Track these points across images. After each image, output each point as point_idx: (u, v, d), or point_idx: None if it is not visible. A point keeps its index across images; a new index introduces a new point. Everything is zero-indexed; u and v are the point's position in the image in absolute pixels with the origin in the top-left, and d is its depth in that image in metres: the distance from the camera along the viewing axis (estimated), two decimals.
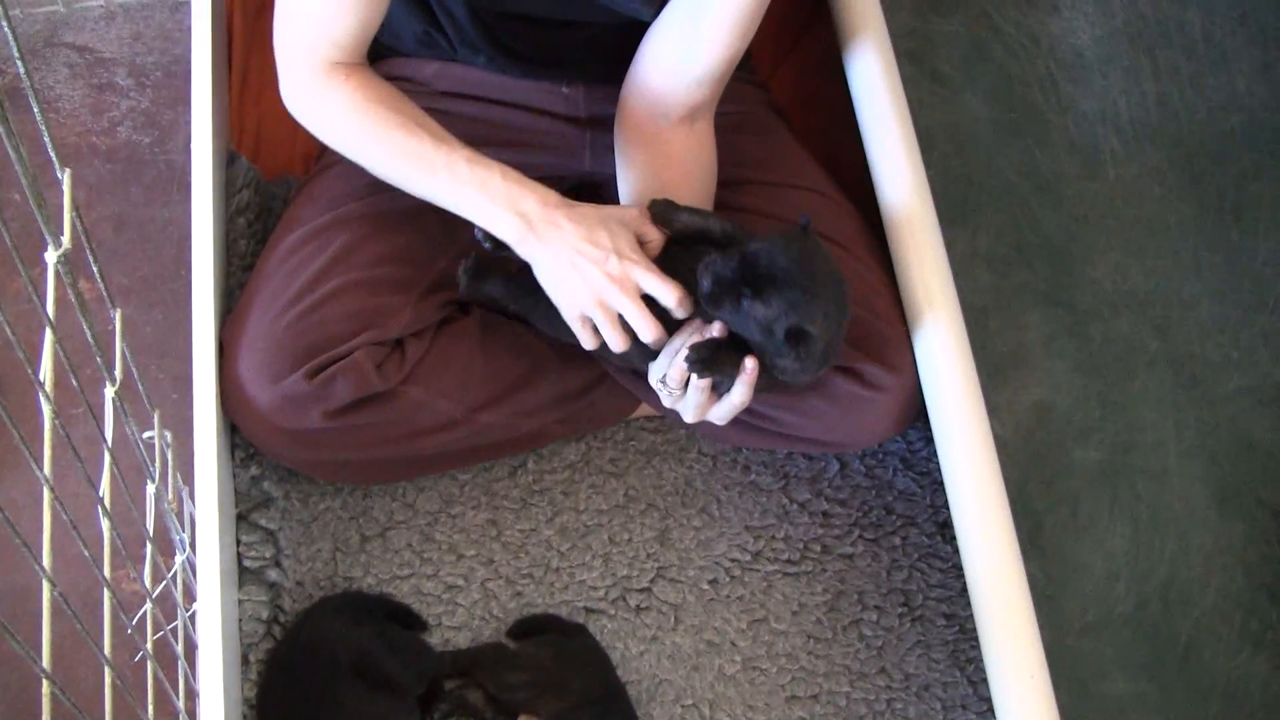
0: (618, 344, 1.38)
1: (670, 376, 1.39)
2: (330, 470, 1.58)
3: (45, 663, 0.83)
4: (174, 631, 1.34)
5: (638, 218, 1.41)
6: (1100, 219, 1.61)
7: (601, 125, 1.60)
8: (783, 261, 1.31)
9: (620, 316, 1.37)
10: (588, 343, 1.41)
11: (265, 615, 1.53)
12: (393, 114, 1.40)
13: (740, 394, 1.38)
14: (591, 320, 1.39)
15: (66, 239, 0.90)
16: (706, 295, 1.32)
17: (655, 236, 1.41)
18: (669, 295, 1.35)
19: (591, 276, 1.36)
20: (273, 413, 1.44)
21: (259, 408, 1.44)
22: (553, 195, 1.40)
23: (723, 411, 1.42)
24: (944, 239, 1.51)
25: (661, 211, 1.42)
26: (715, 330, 1.35)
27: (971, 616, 1.42)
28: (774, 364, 1.36)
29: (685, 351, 1.35)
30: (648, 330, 1.36)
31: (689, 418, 1.43)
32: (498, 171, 1.39)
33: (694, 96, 1.46)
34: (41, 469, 0.86)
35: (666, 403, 1.44)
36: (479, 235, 1.41)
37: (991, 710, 1.41)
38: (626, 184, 1.50)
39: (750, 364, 1.35)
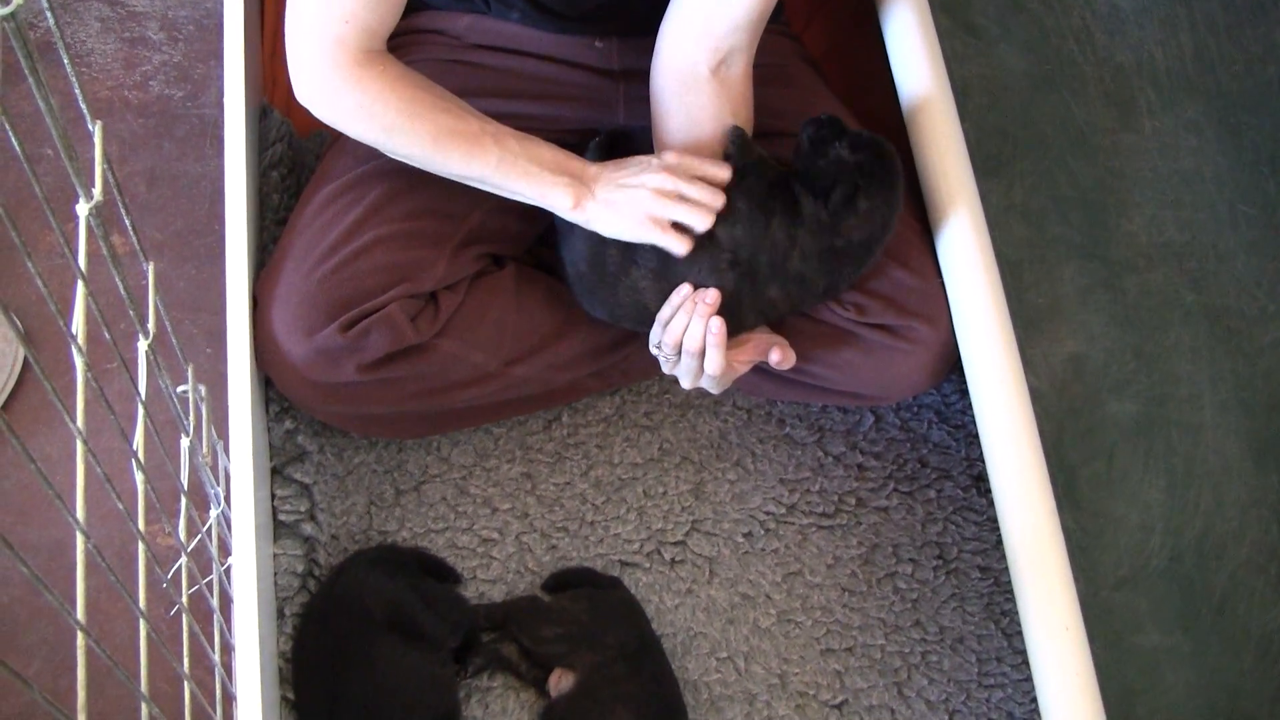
0: (679, 247, 1.40)
1: (665, 343, 1.42)
2: (364, 424, 1.59)
3: (80, 615, 0.84)
4: (209, 585, 1.35)
5: (686, 158, 1.43)
6: (1136, 171, 1.59)
7: (635, 78, 1.59)
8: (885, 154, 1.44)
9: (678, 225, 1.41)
10: (675, 246, 1.42)
11: (300, 569, 1.54)
12: (436, 98, 1.39)
13: (713, 361, 1.42)
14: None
15: (98, 191, 0.90)
16: (811, 123, 1.44)
17: (715, 173, 1.43)
18: (717, 172, 1.41)
19: (644, 181, 1.40)
20: (307, 366, 1.45)
21: (293, 361, 1.45)
22: (593, 165, 1.43)
23: (709, 380, 1.44)
24: (979, 191, 1.50)
25: (737, 139, 1.46)
26: (710, 297, 1.40)
27: (1006, 570, 1.42)
28: (826, 234, 1.43)
29: (678, 318, 1.41)
30: (708, 203, 1.40)
31: (685, 383, 1.47)
32: (541, 143, 1.41)
33: (728, 43, 1.45)
34: (75, 422, 0.86)
35: (665, 369, 1.47)
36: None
37: (1026, 663, 1.41)
38: (663, 134, 1.50)
39: (717, 324, 1.39)
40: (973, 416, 1.47)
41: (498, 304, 1.53)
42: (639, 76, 1.56)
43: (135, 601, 1.01)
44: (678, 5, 1.48)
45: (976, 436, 1.45)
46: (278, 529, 1.56)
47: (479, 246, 1.54)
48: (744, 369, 1.48)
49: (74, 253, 0.87)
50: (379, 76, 1.36)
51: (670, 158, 1.41)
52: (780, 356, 1.46)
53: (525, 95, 1.60)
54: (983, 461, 1.45)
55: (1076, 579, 1.34)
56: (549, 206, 1.41)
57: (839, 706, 1.60)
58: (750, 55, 1.50)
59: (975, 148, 1.53)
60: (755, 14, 1.45)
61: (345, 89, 1.36)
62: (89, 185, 0.89)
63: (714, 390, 1.48)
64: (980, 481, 1.70)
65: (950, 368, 1.56)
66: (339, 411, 1.53)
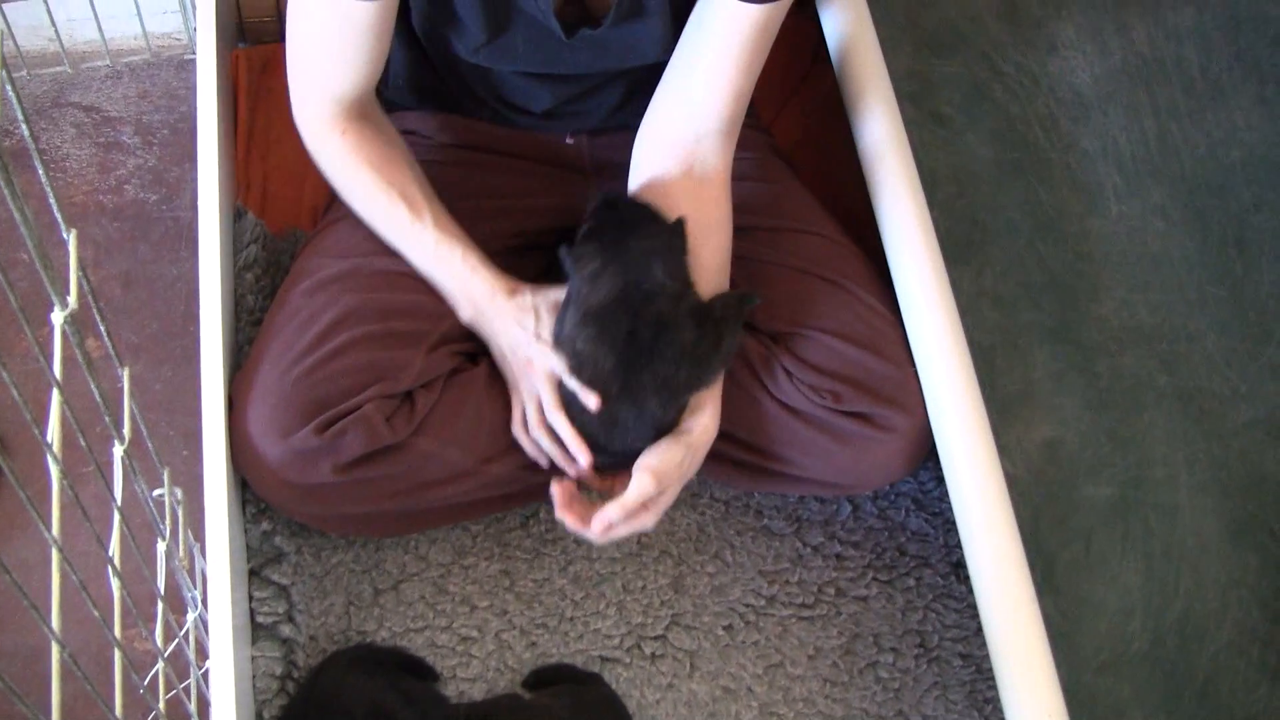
0: (535, 429, 1.47)
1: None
2: (341, 524, 1.58)
3: None
4: (186, 690, 1.34)
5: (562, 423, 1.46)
6: (1104, 255, 1.61)
7: (607, 171, 1.61)
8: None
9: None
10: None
11: (279, 671, 1.53)
12: (378, 178, 1.47)
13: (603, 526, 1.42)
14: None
15: (73, 299, 0.91)
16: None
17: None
18: (582, 394, 1.42)
19: (518, 359, 1.47)
20: (282, 468, 1.44)
21: (269, 463, 1.45)
22: (505, 282, 1.47)
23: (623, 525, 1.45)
24: (950, 279, 1.51)
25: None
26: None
27: (988, 656, 1.41)
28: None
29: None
30: (535, 419, 1.47)
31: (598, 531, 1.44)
32: (460, 252, 1.47)
33: (700, 149, 1.47)
34: (50, 530, 0.86)
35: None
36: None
37: None
38: None
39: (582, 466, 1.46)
40: (950, 503, 1.47)
41: (473, 400, 1.53)
42: (611, 170, 1.57)
43: (112, 709, 1.00)
44: (650, 112, 1.50)
45: (954, 523, 1.45)
46: (256, 631, 1.55)
47: (454, 345, 1.54)
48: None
49: (49, 359, 0.87)
50: (336, 141, 1.47)
51: (531, 353, 1.46)
52: (600, 529, 1.42)
53: (496, 193, 1.61)
54: (961, 548, 1.45)
55: (1058, 665, 1.34)
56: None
57: None
58: (724, 160, 1.51)
59: (945, 235, 1.54)
60: (723, 122, 1.47)
61: (314, 145, 1.50)
62: (64, 293, 0.89)
63: (625, 532, 1.46)
64: (959, 568, 1.70)
65: (926, 455, 1.56)
66: (315, 512, 1.53)
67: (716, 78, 1.45)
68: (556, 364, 1.42)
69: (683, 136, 1.48)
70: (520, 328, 1.45)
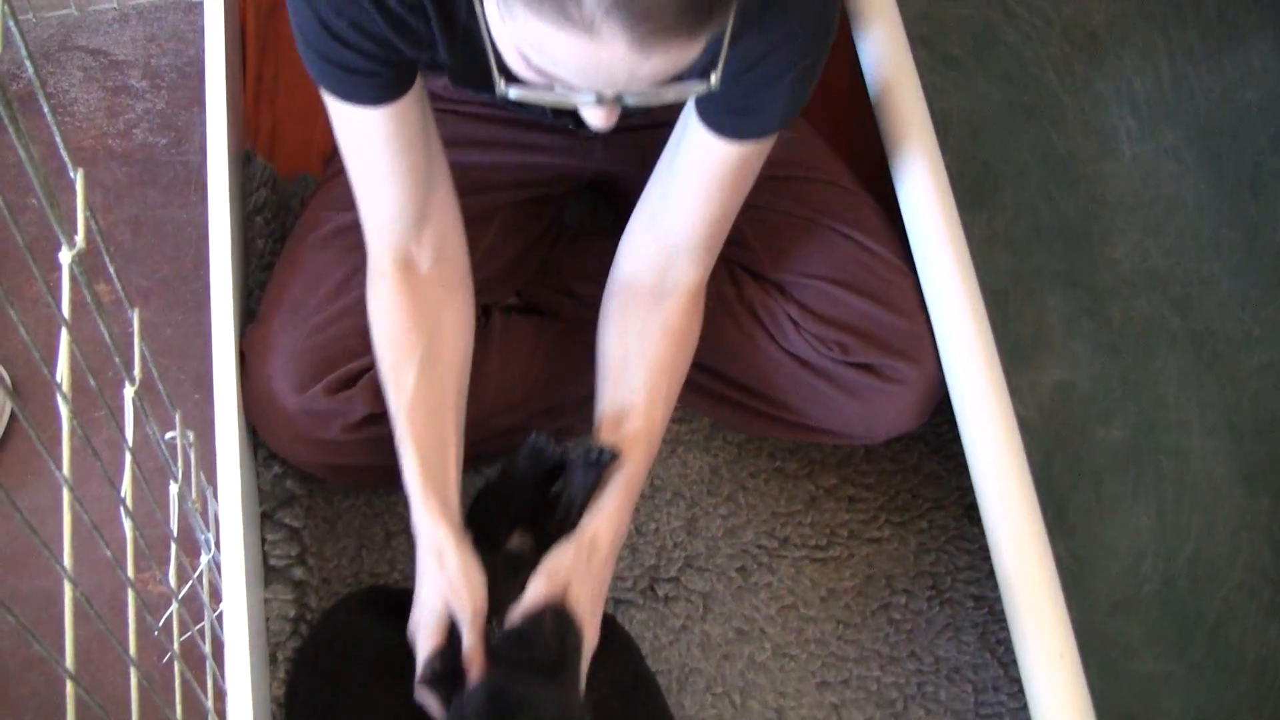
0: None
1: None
2: (351, 475, 1.58)
3: (69, 665, 0.83)
4: (201, 633, 1.34)
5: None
6: (1118, 199, 1.60)
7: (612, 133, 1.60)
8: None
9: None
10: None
11: (292, 614, 1.54)
12: (386, 354, 1.39)
13: None
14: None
15: (80, 238, 0.90)
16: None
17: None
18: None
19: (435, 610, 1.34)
20: (294, 424, 1.45)
21: (280, 417, 1.45)
22: (430, 511, 1.34)
23: None
24: (962, 223, 1.50)
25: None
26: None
27: (1000, 598, 1.41)
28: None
29: None
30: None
31: None
32: (435, 502, 1.34)
33: (673, 270, 1.43)
34: (61, 471, 0.86)
35: None
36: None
37: (1023, 692, 1.40)
38: (597, 351, 1.48)
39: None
40: (962, 446, 1.47)
41: (481, 356, 1.53)
42: (616, 131, 1.56)
43: (126, 650, 1.01)
44: (629, 224, 1.47)
45: (967, 466, 1.45)
46: (269, 574, 1.56)
47: None
48: None
49: (58, 301, 0.87)
50: (384, 290, 1.39)
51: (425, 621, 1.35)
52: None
53: (500, 144, 1.60)
54: (974, 492, 1.45)
55: (1070, 607, 1.34)
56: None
57: None
58: (696, 286, 1.45)
59: (957, 180, 1.53)
60: (695, 239, 1.41)
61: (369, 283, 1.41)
62: (71, 233, 0.89)
63: None
64: (972, 511, 1.70)
65: (936, 406, 1.56)
66: (325, 463, 1.52)
67: (690, 213, 1.39)
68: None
69: (645, 254, 1.44)
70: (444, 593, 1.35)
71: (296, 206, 1.74)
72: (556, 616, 1.31)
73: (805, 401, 1.58)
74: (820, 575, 1.67)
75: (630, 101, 1.00)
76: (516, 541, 1.40)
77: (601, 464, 1.36)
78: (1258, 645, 1.42)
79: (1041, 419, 1.46)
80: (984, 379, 1.43)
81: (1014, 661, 1.55)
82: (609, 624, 1.56)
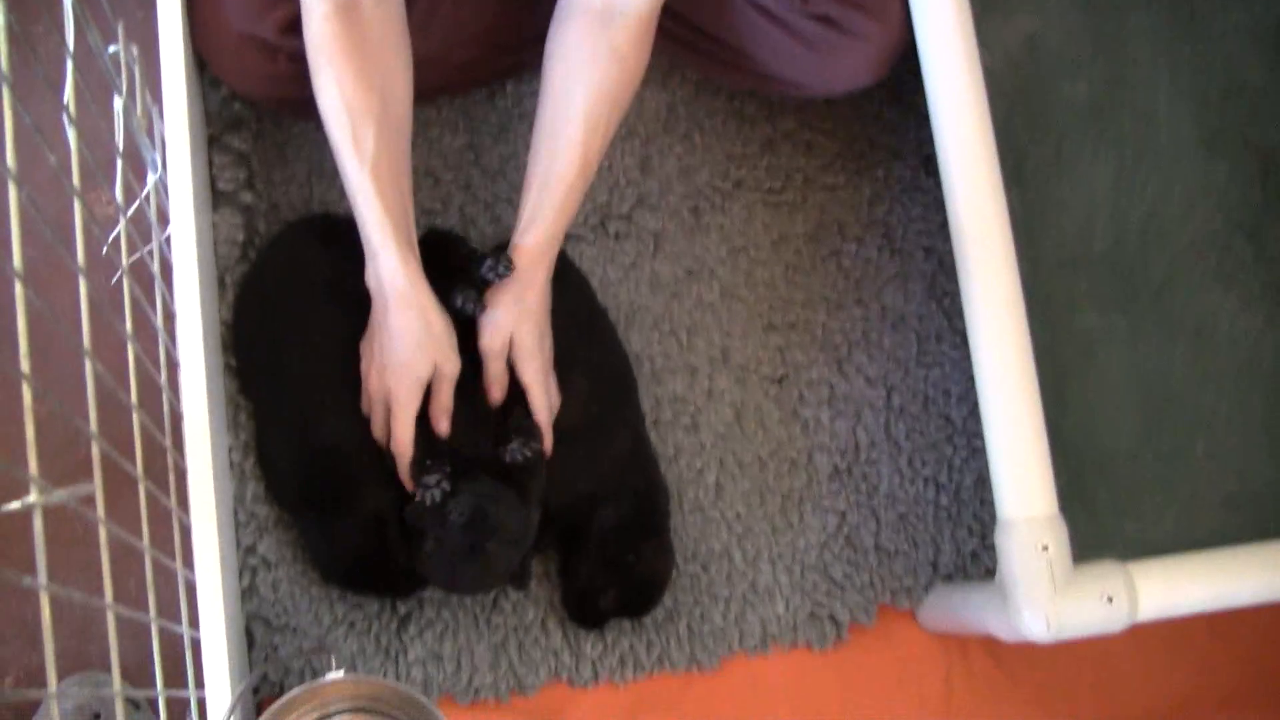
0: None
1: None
2: (302, 109, 1.54)
3: (17, 266, 0.82)
4: (149, 254, 1.33)
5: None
6: None
7: None
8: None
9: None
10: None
11: (240, 238, 1.52)
12: (339, 92, 1.33)
13: None
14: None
15: None
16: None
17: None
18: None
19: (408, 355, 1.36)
20: (241, 52, 1.41)
21: (228, 45, 1.42)
22: (408, 271, 1.35)
23: None
24: None
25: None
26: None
27: (951, 251, 1.42)
28: None
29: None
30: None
31: None
32: (414, 263, 1.36)
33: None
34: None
35: None
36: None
37: (965, 343, 1.43)
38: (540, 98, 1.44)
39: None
40: (925, 97, 1.45)
41: None
42: None
43: (74, 260, 1.00)
44: None
45: (928, 117, 1.43)
46: (216, 198, 1.53)
47: None
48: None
49: None
50: (314, 31, 1.33)
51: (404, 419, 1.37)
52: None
53: None
54: (933, 143, 1.43)
55: (1019, 260, 1.35)
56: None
57: (779, 381, 1.63)
58: (648, 11, 1.40)
59: None
60: None
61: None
62: None
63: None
64: (929, 162, 1.69)
65: (895, 62, 1.52)
66: (274, 96, 1.49)
67: None
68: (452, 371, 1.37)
69: None
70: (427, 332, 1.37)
71: None
72: (520, 430, 1.41)
73: (762, 49, 1.54)
74: (772, 219, 1.67)
75: None
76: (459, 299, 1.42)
77: (500, 278, 1.39)
78: (1199, 308, 1.44)
79: (1008, 70, 1.44)
80: (951, 23, 1.40)
81: (959, 313, 1.57)
82: (562, 260, 1.57)
